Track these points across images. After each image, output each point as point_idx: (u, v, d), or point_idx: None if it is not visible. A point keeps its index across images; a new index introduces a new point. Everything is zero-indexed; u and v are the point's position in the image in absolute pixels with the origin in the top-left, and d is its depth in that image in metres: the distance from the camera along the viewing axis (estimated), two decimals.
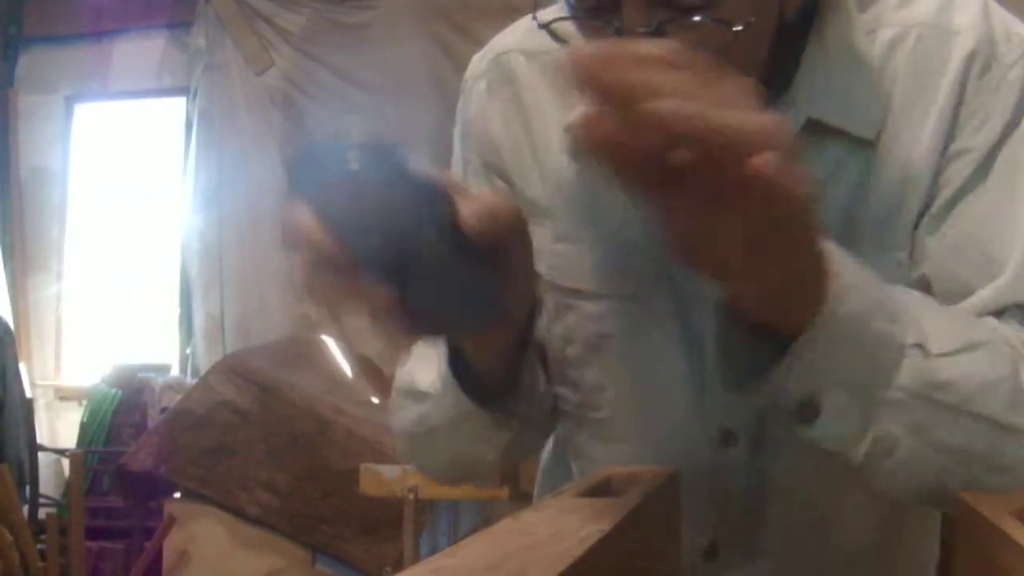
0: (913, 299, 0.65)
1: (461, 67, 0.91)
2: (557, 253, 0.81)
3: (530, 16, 0.81)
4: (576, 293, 0.81)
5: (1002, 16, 0.77)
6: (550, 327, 0.83)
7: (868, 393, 0.59)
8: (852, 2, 0.76)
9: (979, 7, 0.76)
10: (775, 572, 0.81)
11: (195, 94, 4.89)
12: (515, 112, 0.84)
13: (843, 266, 0.58)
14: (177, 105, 5.06)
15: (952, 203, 0.74)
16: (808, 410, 0.59)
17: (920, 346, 0.60)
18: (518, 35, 0.86)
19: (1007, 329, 0.69)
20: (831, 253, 0.58)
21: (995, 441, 0.61)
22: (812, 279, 0.57)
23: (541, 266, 0.80)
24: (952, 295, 0.72)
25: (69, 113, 5.36)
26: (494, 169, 0.85)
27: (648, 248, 0.76)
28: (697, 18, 0.62)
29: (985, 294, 0.71)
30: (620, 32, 0.63)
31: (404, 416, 0.82)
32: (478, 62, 0.88)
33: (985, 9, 0.76)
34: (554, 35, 0.69)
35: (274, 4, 4.76)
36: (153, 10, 5.05)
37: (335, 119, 4.63)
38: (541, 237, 0.80)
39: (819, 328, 0.57)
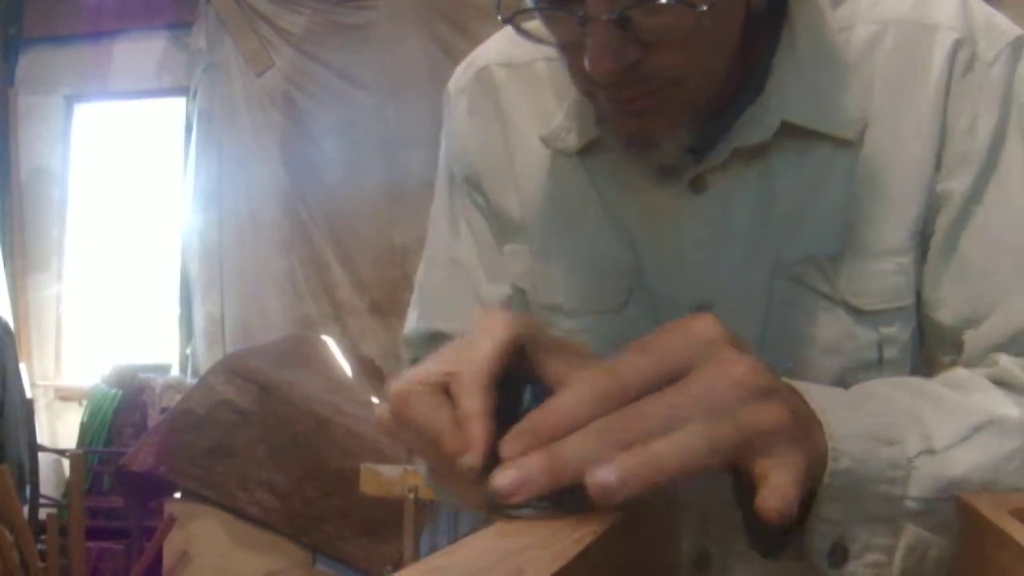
0: (909, 393, 0.63)
1: None
2: (534, 272, 0.82)
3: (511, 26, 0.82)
4: (554, 310, 0.81)
5: (981, 8, 0.75)
6: None
7: (889, 519, 0.57)
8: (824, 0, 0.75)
9: (956, 0, 0.74)
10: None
11: (195, 94, 4.89)
12: (495, 128, 0.85)
13: (830, 414, 0.55)
14: (177, 105, 5.06)
15: (958, 225, 0.73)
16: (837, 555, 0.57)
17: (926, 450, 0.58)
18: (500, 46, 0.86)
19: (1009, 362, 0.68)
20: (814, 398, 0.56)
21: None
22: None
23: (523, 284, 0.83)
24: (976, 317, 0.72)
25: (69, 113, 5.36)
26: (473, 185, 0.87)
27: (619, 261, 0.77)
28: (663, 1, 0.60)
29: (993, 324, 0.72)
30: (584, 21, 0.62)
31: None
32: (461, 75, 0.89)
33: (963, 1, 0.74)
34: (520, 30, 0.68)
35: (274, 4, 4.76)
36: (153, 10, 5.05)
37: (335, 119, 4.63)
38: (519, 256, 0.83)
39: (826, 489, 0.55)
